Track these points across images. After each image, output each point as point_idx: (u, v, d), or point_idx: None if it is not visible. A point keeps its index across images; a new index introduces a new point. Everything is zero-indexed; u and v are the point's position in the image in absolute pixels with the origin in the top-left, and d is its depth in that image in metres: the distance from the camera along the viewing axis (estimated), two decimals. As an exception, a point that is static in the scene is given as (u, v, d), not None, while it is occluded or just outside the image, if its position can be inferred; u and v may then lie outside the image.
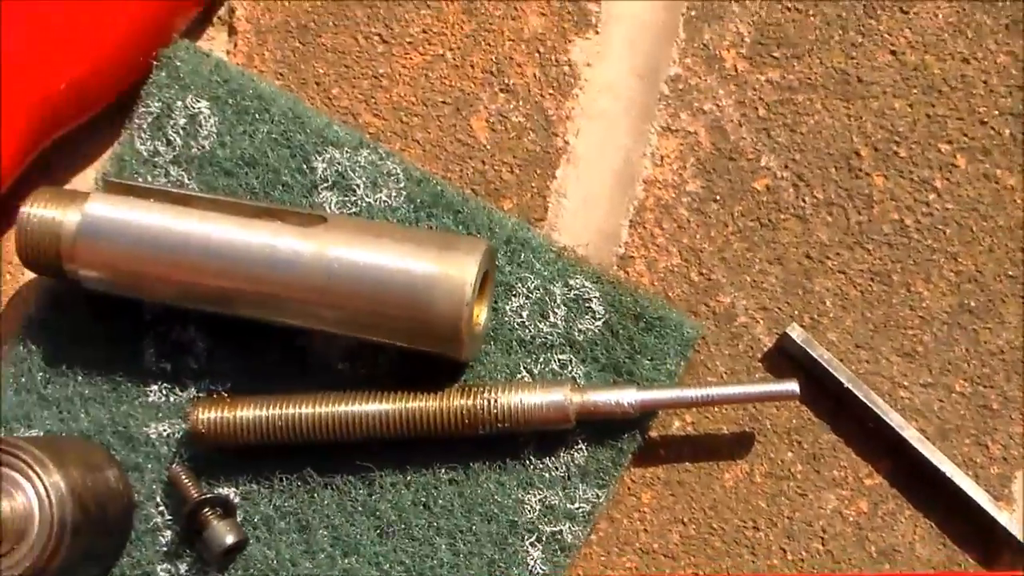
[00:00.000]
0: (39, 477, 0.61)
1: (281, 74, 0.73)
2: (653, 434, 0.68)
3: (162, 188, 0.66)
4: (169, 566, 0.68)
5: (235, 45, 0.74)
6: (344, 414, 0.65)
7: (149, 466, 0.68)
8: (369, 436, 0.65)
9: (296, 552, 0.67)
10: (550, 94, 0.72)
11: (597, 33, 0.73)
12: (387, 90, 0.72)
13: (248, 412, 0.66)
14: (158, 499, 0.68)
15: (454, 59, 0.73)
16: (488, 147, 0.72)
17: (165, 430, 0.69)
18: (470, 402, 0.64)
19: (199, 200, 0.65)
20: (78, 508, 0.62)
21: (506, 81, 0.72)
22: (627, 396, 0.64)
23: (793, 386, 0.64)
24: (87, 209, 0.65)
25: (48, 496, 0.61)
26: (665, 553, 0.67)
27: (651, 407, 0.65)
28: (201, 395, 0.69)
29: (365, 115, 0.72)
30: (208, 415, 0.66)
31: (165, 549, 0.68)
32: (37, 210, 0.65)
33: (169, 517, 0.68)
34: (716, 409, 0.68)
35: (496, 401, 0.64)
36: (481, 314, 0.66)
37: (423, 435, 0.65)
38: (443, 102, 0.72)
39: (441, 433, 0.65)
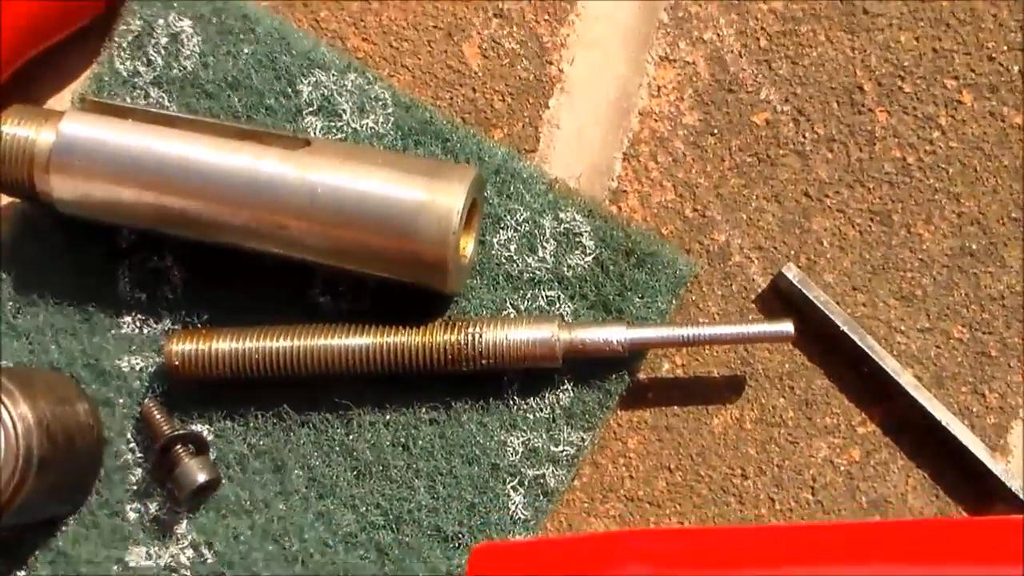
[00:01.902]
0: (6, 408, 0.59)
1: (264, -6, 0.70)
2: (641, 376, 0.66)
3: (141, 108, 0.64)
4: (139, 505, 0.65)
5: (215, -37, 0.71)
6: (323, 348, 0.63)
7: (121, 401, 0.66)
8: (349, 371, 0.63)
9: (270, 492, 0.65)
10: (545, 20, 0.69)
11: (594, -43, 0.70)
12: (377, 13, 0.69)
13: (225, 344, 0.63)
14: (129, 436, 0.66)
15: (444, -18, 0.70)
16: (480, 74, 0.69)
17: (138, 363, 0.66)
18: (454, 337, 0.62)
19: (179, 120, 0.62)
20: (46, 441, 0.60)
21: (500, 6, 0.69)
22: (616, 334, 0.62)
23: (788, 327, 0.62)
24: (62, 127, 0.62)
25: (15, 427, 0.59)
26: (650, 500, 0.65)
27: (641, 346, 0.63)
28: (176, 327, 0.66)
29: (354, 39, 0.69)
30: (184, 347, 0.63)
31: (135, 488, 0.66)
32: (10, 128, 0.63)
33: (140, 455, 0.66)
34: (706, 352, 0.66)
35: (480, 336, 0.62)
36: (468, 245, 0.64)
37: (405, 371, 0.63)
38: (434, 27, 0.69)
39: (423, 369, 0.63)
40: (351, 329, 0.63)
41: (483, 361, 0.62)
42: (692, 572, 0.51)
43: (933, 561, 0.52)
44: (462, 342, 0.62)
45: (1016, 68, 0.67)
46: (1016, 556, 0.51)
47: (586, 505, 0.65)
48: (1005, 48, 0.67)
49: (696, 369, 0.66)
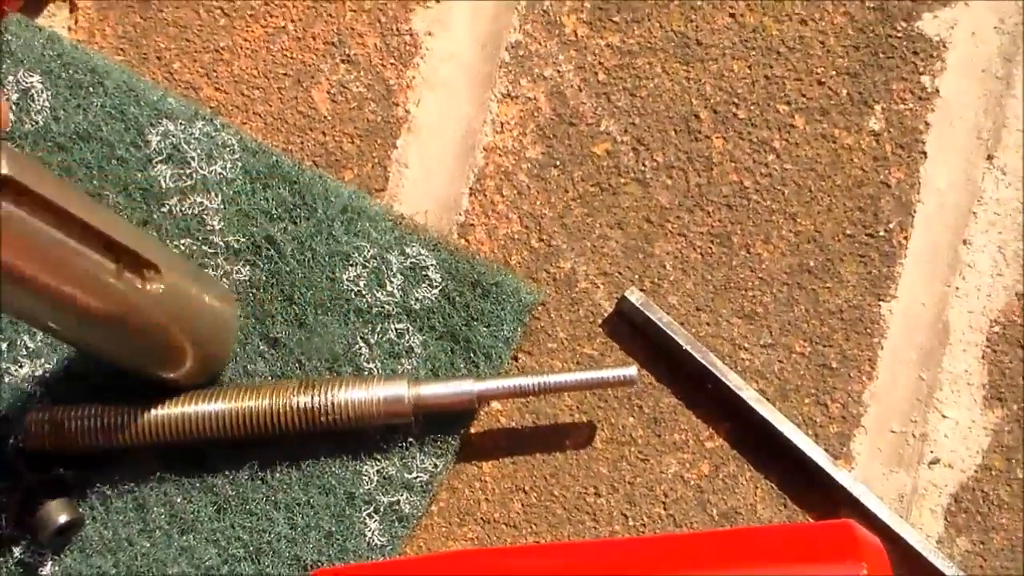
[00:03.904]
0: None
1: (122, 49, 0.72)
2: (494, 402, 0.67)
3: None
4: (3, 549, 0.66)
5: (75, 21, 0.73)
6: (179, 415, 0.64)
7: (-16, 447, 0.67)
8: (204, 437, 0.64)
9: (133, 531, 0.66)
10: (391, 64, 0.71)
11: (438, 1, 0.72)
12: (228, 63, 0.72)
13: (81, 416, 0.64)
14: (-7, 480, 0.67)
15: (295, 31, 0.72)
16: (329, 118, 0.71)
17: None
18: (308, 400, 0.63)
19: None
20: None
21: (347, 52, 0.71)
22: (465, 388, 0.63)
23: (631, 371, 0.63)
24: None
25: None
26: (507, 522, 0.66)
27: (490, 398, 0.65)
28: (43, 374, 0.67)
29: (206, 89, 0.71)
30: (40, 417, 0.64)
31: None
32: None
33: (2, 499, 0.67)
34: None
35: (333, 399, 0.63)
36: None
37: (259, 434, 0.64)
38: (284, 74, 0.71)
39: (277, 431, 0.64)
40: (205, 395, 0.64)
41: (336, 421, 0.64)
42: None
43: (774, 562, 0.55)
44: (316, 405, 0.63)
45: (845, 91, 0.70)
46: (847, 554, 0.54)
47: (444, 529, 0.67)
48: (834, 73, 0.70)
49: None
